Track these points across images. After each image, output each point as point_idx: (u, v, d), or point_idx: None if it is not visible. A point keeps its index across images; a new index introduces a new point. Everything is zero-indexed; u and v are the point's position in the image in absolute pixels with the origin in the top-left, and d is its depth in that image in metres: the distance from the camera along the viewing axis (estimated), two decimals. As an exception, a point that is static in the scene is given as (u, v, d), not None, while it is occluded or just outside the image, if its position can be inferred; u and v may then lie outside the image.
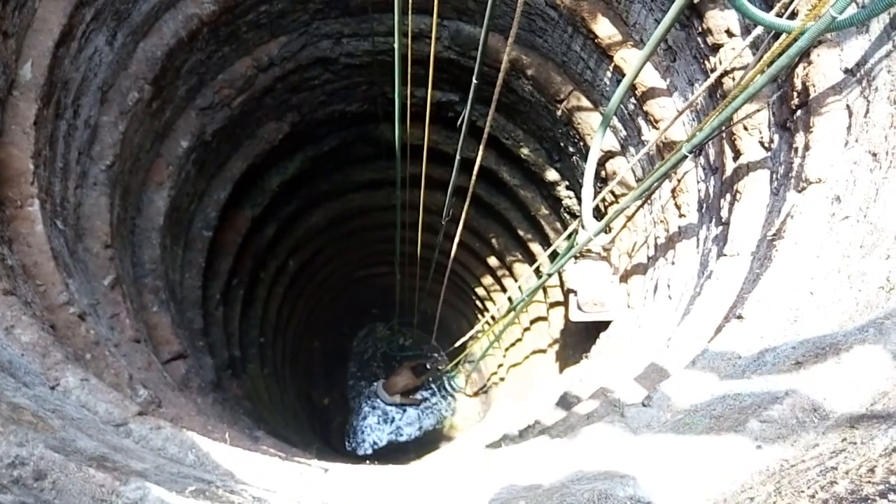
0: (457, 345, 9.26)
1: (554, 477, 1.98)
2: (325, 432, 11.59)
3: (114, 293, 3.97)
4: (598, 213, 4.90)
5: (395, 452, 12.31)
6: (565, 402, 4.73)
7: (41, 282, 3.15)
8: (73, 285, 3.41)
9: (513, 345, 9.78)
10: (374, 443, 12.85)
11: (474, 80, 4.35)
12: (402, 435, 12.97)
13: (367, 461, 10.90)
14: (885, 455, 1.22)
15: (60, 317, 3.14)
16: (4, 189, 3.21)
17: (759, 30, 3.12)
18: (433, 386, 13.23)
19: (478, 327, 8.57)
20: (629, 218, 5.35)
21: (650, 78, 4.38)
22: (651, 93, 4.40)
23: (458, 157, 5.37)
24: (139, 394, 3.14)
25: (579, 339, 6.79)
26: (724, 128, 3.52)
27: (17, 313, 2.59)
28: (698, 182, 4.25)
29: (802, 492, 1.24)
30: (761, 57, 3.04)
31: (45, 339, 2.59)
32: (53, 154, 3.74)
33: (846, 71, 2.71)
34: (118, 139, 4.32)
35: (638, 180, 5.03)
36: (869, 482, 1.12)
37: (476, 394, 12.51)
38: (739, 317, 2.60)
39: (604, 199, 5.63)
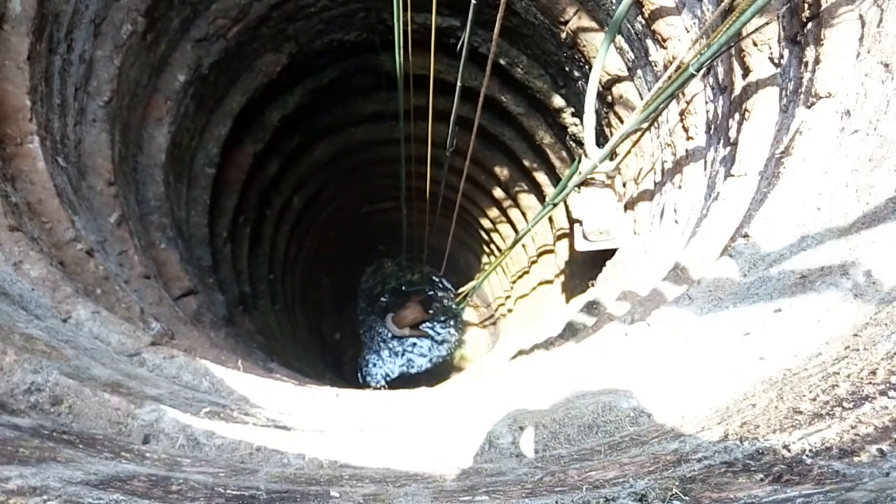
0: (465, 288, 9.31)
1: (559, 392, 2.02)
2: (337, 365, 11.84)
3: (120, 230, 3.98)
4: (605, 141, 4.82)
5: (406, 383, 12.59)
6: (572, 328, 4.79)
7: (46, 219, 3.16)
8: (79, 222, 3.42)
9: (520, 276, 9.83)
10: (387, 374, 13.15)
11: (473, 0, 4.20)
12: (413, 366, 13.24)
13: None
14: (888, 358, 1.23)
15: (68, 253, 3.16)
16: (3, 126, 3.18)
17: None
18: (441, 318, 13.42)
19: (490, 271, 8.55)
20: (635, 143, 5.26)
21: (658, -6, 4.22)
22: (659, 11, 4.25)
23: (458, 84, 5.24)
24: (152, 326, 3.19)
25: (586, 268, 6.82)
26: (732, 43, 3.41)
27: (25, 249, 2.60)
28: (707, 103, 4.15)
29: (804, 396, 1.25)
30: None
31: (53, 274, 2.62)
32: (50, 90, 3.68)
33: (861, -22, 2.59)
34: (114, 74, 4.24)
35: (646, 105, 4.92)
36: (870, 383, 1.13)
37: (484, 325, 12.68)
38: (746, 236, 2.59)
39: (610, 126, 5.53)
